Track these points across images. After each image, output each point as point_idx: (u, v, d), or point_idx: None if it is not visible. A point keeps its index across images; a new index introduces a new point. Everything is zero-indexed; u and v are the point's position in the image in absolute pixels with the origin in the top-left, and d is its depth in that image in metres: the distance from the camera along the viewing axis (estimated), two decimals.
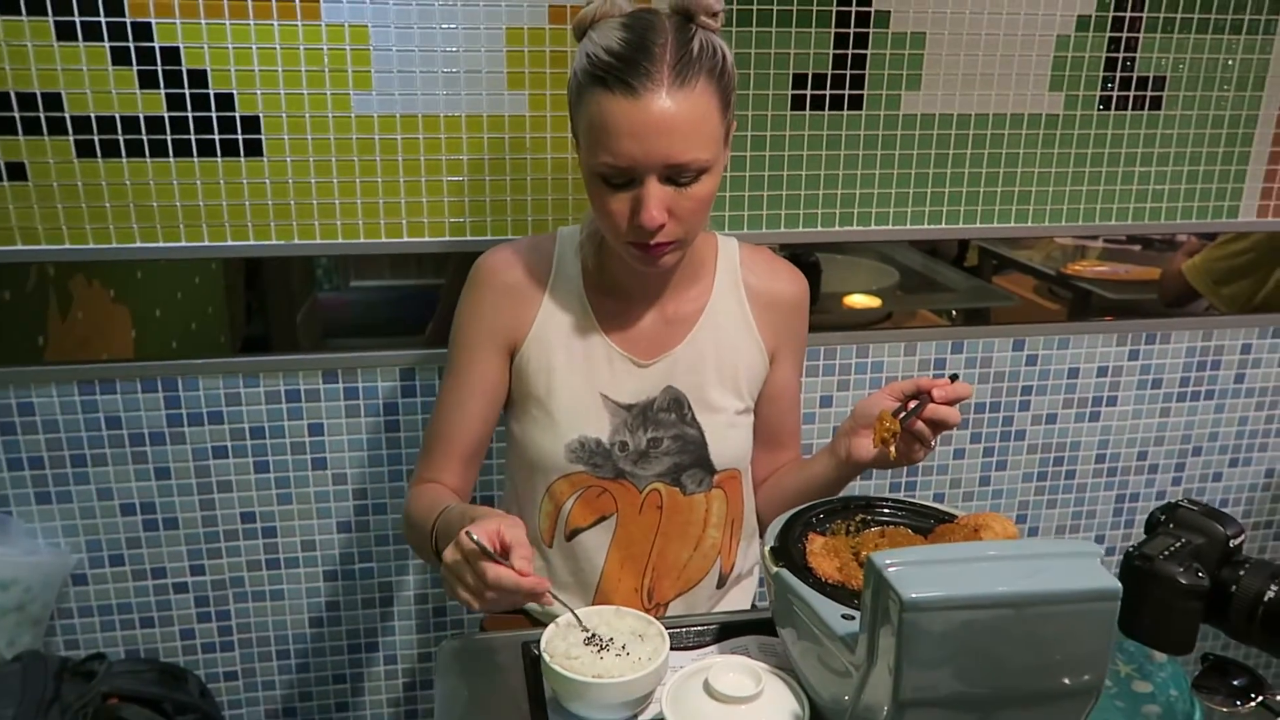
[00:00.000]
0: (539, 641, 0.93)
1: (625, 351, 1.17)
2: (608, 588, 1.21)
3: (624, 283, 1.17)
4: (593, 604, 1.21)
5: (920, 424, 1.05)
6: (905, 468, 1.78)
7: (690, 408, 1.18)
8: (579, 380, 1.16)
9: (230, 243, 1.45)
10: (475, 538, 0.89)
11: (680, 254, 1.09)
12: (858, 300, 1.71)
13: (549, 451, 1.16)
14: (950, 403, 1.06)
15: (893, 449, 1.06)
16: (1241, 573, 0.85)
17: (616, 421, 1.16)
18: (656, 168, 1.00)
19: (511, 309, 1.16)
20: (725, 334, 1.20)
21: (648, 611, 1.22)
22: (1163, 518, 0.91)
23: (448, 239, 1.50)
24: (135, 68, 1.34)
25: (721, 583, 1.26)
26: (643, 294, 1.18)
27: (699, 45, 0.99)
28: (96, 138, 1.36)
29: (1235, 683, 0.91)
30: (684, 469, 1.19)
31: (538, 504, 1.20)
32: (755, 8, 1.48)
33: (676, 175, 1.01)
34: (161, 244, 1.43)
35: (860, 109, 1.56)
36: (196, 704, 1.57)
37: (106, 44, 1.33)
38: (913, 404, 1.06)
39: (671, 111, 0.97)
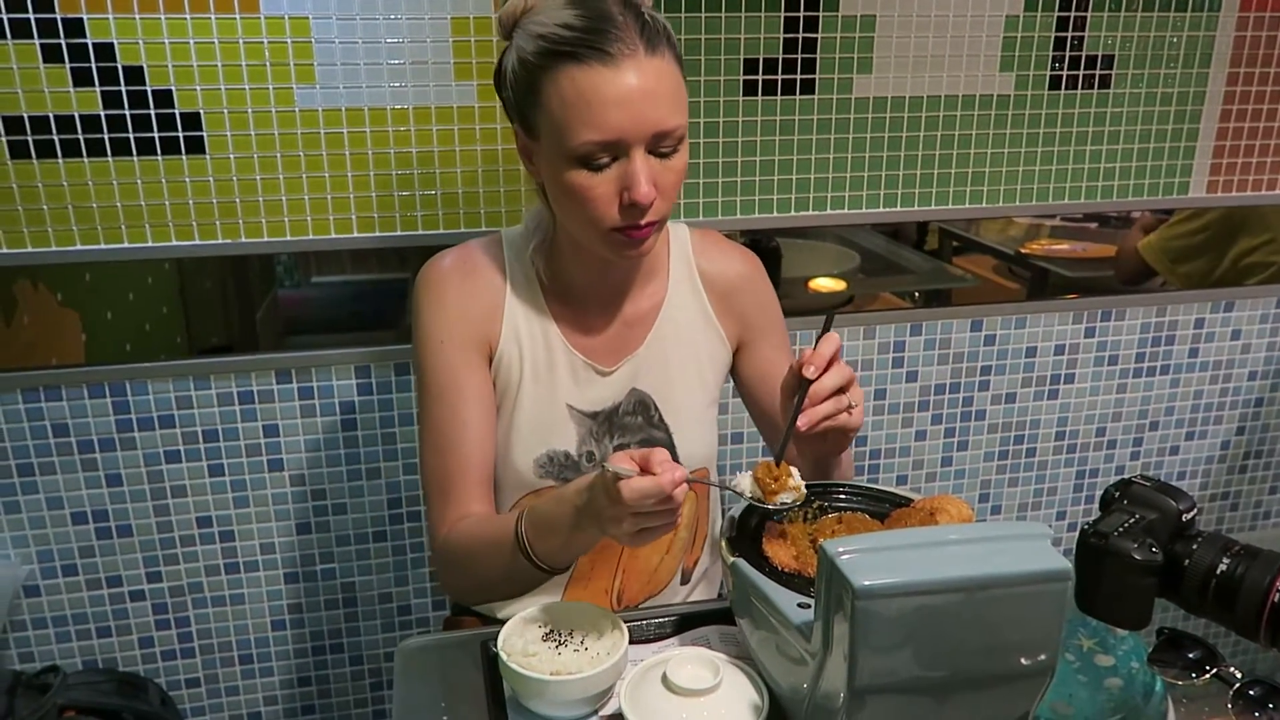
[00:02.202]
0: (497, 639, 0.92)
1: (588, 359, 1.13)
2: (577, 589, 1.19)
3: (580, 288, 1.13)
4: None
5: (817, 409, 0.94)
6: (868, 449, 1.79)
7: (657, 409, 1.16)
8: (544, 392, 1.13)
9: (175, 243, 1.42)
10: (611, 468, 0.85)
11: (658, 236, 1.05)
12: (824, 284, 1.71)
13: (517, 468, 1.13)
14: (827, 368, 0.94)
15: (790, 484, 0.93)
16: (1194, 547, 0.86)
17: (583, 431, 1.14)
18: (644, 138, 0.95)
19: (481, 310, 1.11)
20: (685, 328, 1.17)
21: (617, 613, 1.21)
22: (1116, 494, 0.91)
23: (399, 234, 1.48)
24: (68, 65, 1.31)
25: (685, 579, 1.26)
26: (600, 298, 1.14)
27: (650, 16, 0.97)
28: (30, 138, 1.33)
29: (1190, 655, 0.92)
30: None
31: None
32: None
33: (660, 145, 0.97)
34: (104, 245, 1.40)
35: (812, 93, 1.55)
36: (158, 713, 1.54)
37: (36, 41, 1.29)
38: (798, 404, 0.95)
39: (652, 77, 0.94)
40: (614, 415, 1.15)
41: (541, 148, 1.01)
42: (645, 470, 0.85)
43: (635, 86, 0.93)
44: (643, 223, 0.99)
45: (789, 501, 0.92)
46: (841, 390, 0.96)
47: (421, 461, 1.12)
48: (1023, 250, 1.78)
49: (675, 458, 1.15)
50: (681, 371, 1.17)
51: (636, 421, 1.15)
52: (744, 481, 0.93)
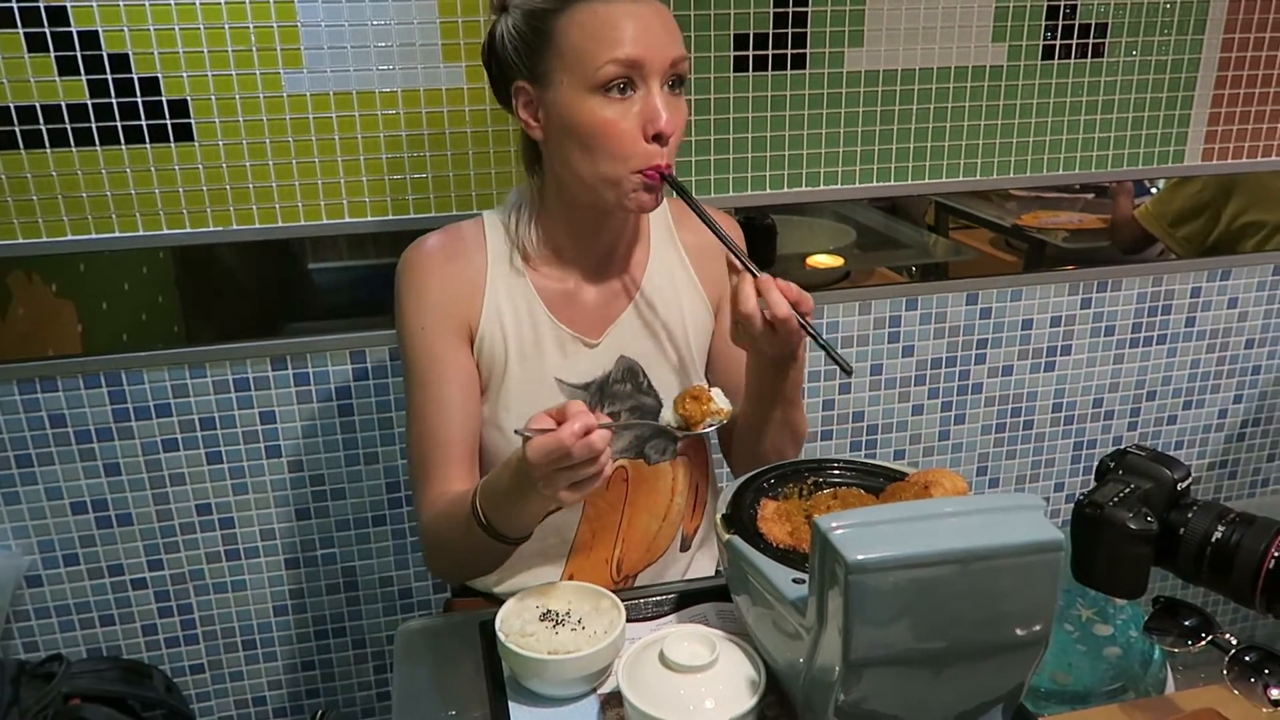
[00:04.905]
0: (495, 620, 0.93)
1: (574, 332, 1.14)
2: (578, 559, 1.20)
3: (567, 259, 1.14)
4: (563, 576, 1.20)
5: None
6: (865, 424, 1.79)
7: (645, 375, 1.17)
8: (531, 369, 1.13)
9: (167, 231, 1.41)
10: (523, 431, 0.87)
11: (661, 193, 1.06)
12: (820, 260, 1.70)
13: (511, 443, 1.13)
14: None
15: (713, 408, 0.96)
16: (1189, 515, 0.86)
17: None
18: (662, 66, 1.00)
19: (460, 293, 1.11)
20: (668, 292, 1.18)
21: (617, 583, 1.21)
22: (1112, 464, 0.91)
23: (391, 218, 1.47)
24: (53, 54, 1.30)
25: (685, 546, 1.26)
26: (585, 268, 1.15)
27: None
28: (18, 128, 1.32)
29: (1186, 623, 0.92)
30: (646, 440, 1.17)
31: None
32: None
33: (675, 78, 1.02)
34: (95, 235, 1.39)
35: (804, 68, 1.54)
36: (162, 699, 1.55)
37: (20, 30, 1.28)
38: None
39: (665, 14, 1.01)
40: (605, 385, 1.15)
41: (555, 93, 1.02)
42: (559, 421, 0.87)
43: (653, 18, 1.00)
44: (664, 162, 1.02)
45: (715, 424, 0.94)
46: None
47: (407, 447, 1.14)
48: (1019, 222, 1.77)
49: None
50: (667, 336, 1.18)
51: (626, 389, 1.16)
52: (665, 414, 0.95)
